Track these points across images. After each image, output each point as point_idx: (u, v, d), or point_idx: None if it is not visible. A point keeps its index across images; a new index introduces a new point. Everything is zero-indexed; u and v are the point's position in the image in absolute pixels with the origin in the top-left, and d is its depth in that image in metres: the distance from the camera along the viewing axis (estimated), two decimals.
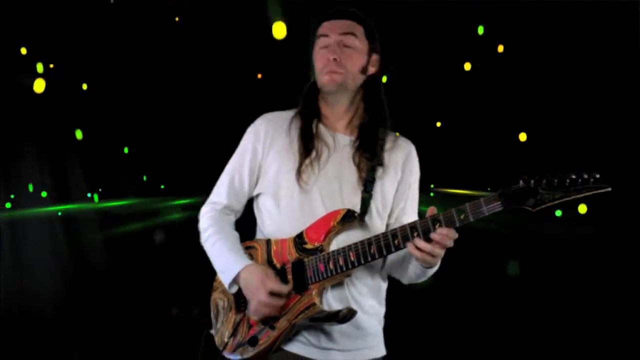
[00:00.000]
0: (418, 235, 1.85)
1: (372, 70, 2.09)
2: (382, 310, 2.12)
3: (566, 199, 1.72)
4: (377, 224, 2.05)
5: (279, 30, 4.23)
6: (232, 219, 2.16)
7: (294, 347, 2.00)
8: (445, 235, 1.82)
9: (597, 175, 1.71)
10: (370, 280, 2.06)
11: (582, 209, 4.22)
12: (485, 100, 4.50)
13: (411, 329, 4.48)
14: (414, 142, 2.18)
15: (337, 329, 1.99)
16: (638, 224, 3.98)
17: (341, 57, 2.02)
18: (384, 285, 2.14)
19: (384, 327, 2.12)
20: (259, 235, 2.15)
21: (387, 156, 2.07)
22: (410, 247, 1.86)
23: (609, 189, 1.70)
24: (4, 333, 4.20)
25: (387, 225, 2.10)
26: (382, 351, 2.12)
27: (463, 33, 4.42)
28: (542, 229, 4.21)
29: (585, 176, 1.72)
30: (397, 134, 2.18)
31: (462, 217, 1.81)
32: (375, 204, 2.04)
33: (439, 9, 4.32)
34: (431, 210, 1.87)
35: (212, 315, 2.14)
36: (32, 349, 4.27)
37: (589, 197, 1.72)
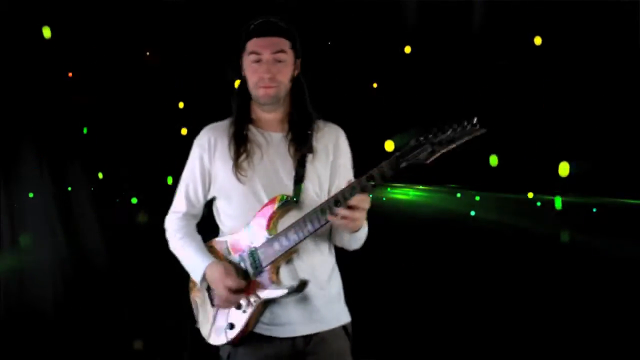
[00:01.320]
0: (341, 205, 2.08)
1: (296, 72, 2.33)
2: (336, 284, 2.35)
3: (451, 146, 1.94)
4: (316, 202, 2.24)
5: None
6: (194, 222, 2.45)
7: (261, 329, 2.25)
8: (360, 201, 2.07)
9: (474, 121, 1.91)
10: (318, 252, 2.30)
11: (493, 160, 4.43)
12: (485, 100, 4.50)
13: (408, 327, 4.50)
14: None
15: (292, 303, 2.23)
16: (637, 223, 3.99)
17: (274, 72, 2.23)
18: (330, 254, 2.36)
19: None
20: (220, 234, 2.40)
21: (316, 142, 2.32)
22: (331, 218, 2.10)
23: (484, 131, 1.91)
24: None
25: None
26: (343, 319, 2.34)
27: (463, 33, 4.42)
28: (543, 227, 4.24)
29: (465, 123, 1.92)
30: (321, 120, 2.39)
31: (371, 182, 2.04)
32: (312, 186, 2.29)
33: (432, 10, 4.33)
34: (348, 182, 2.11)
35: (194, 312, 2.41)
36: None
37: (469, 140, 1.93)
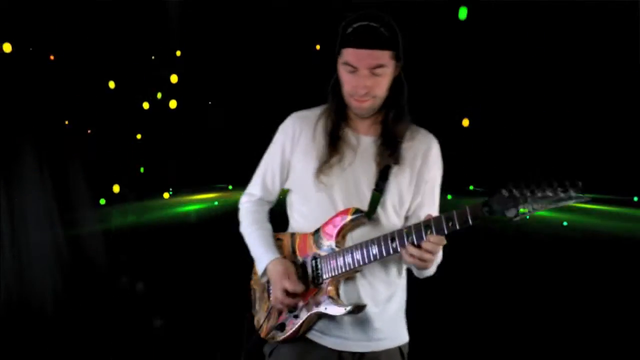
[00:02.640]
0: (411, 241, 1.92)
1: (396, 73, 2.09)
2: (396, 302, 2.20)
3: (546, 208, 1.76)
4: (393, 219, 2.13)
5: None
6: (267, 208, 2.34)
7: (312, 335, 2.16)
8: (433, 244, 1.90)
9: (580, 184, 1.72)
10: (383, 274, 2.15)
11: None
12: (484, 100, 4.50)
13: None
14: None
15: (347, 320, 2.12)
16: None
17: (370, 87, 2.01)
18: (399, 277, 2.21)
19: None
20: (289, 228, 2.29)
21: (404, 152, 2.12)
22: (403, 252, 1.95)
23: (589, 199, 1.73)
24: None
25: (405, 219, 2.19)
26: (400, 340, 2.22)
27: (461, 33, 4.41)
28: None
29: (567, 184, 1.73)
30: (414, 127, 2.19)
31: (450, 224, 1.86)
32: (391, 201, 2.11)
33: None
34: (428, 216, 1.93)
35: (252, 299, 2.34)
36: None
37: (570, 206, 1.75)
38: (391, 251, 1.97)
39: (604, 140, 4.07)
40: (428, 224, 1.90)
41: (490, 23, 4.31)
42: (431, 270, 2.13)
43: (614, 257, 4.14)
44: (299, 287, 2.09)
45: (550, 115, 4.22)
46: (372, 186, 2.10)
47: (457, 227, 1.86)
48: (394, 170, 2.10)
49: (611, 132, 4.05)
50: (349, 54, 1.99)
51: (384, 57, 1.99)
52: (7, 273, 4.25)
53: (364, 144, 2.14)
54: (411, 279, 2.26)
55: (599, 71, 4.00)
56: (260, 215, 2.29)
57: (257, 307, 2.31)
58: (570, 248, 4.27)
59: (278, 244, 2.23)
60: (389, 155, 2.10)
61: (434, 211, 2.17)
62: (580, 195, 1.72)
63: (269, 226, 2.29)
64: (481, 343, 4.33)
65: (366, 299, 2.11)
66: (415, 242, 1.91)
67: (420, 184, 2.15)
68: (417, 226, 1.92)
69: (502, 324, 4.33)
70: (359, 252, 2.02)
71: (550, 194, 1.73)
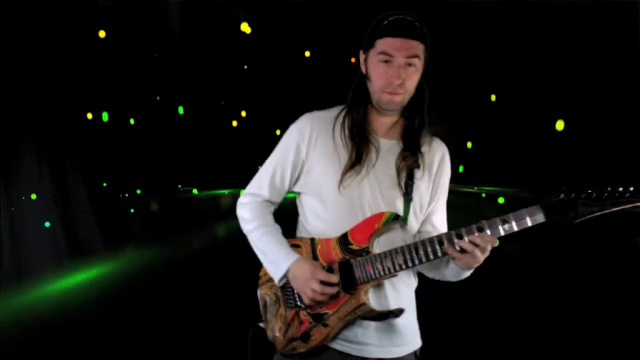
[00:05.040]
0: (463, 238, 1.94)
1: (422, 72, 2.11)
2: (412, 304, 2.22)
3: (604, 211, 1.80)
4: (414, 224, 2.13)
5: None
6: (272, 210, 2.25)
7: (335, 344, 2.10)
8: (486, 241, 1.91)
9: (632, 188, 1.78)
10: (407, 279, 2.16)
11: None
12: (482, 100, 4.50)
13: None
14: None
15: (373, 325, 2.09)
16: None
17: (405, 78, 2.02)
18: (415, 280, 2.24)
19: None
20: (301, 232, 2.22)
21: (422, 157, 2.14)
22: (450, 249, 1.95)
23: None
24: None
25: (420, 223, 2.19)
26: (416, 344, 2.21)
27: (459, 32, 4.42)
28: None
29: (621, 189, 1.79)
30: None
31: (506, 227, 1.90)
32: (413, 206, 2.11)
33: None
34: (480, 222, 1.96)
35: (261, 309, 2.23)
36: None
37: (625, 209, 1.79)
38: (440, 253, 1.97)
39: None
40: (481, 226, 1.93)
41: (491, 23, 4.32)
42: (467, 274, 2.13)
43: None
44: (334, 277, 2.04)
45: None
46: (396, 190, 2.09)
47: (515, 228, 1.89)
48: (418, 175, 2.11)
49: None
50: (386, 43, 2.00)
51: (419, 48, 2.02)
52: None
53: (385, 147, 2.13)
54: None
55: (598, 71, 4.00)
56: (269, 219, 2.21)
57: (268, 316, 2.20)
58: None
59: (297, 250, 2.15)
60: (411, 159, 2.10)
61: (444, 215, 2.21)
62: (636, 198, 1.77)
63: (280, 229, 2.22)
64: (488, 346, 4.33)
65: (393, 304, 2.10)
66: (467, 240, 1.93)
67: (436, 188, 2.17)
68: (469, 228, 1.94)
69: (507, 327, 4.33)
70: (401, 256, 2.00)
71: (606, 197, 1.79)
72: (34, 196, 4.46)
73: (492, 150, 4.51)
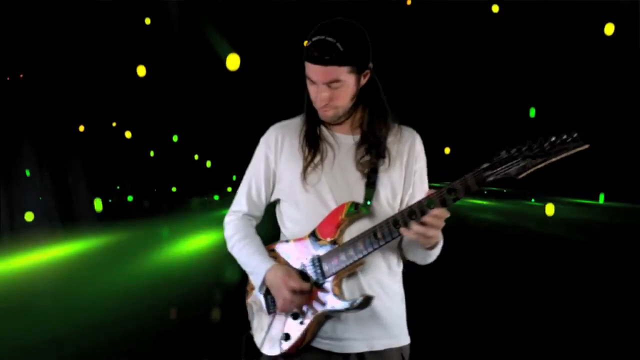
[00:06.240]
0: (416, 218, 1.90)
1: (364, 82, 2.08)
2: (398, 297, 2.17)
3: (547, 161, 1.73)
4: (388, 212, 2.10)
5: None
6: (254, 223, 2.28)
7: (317, 343, 2.09)
8: (437, 217, 1.88)
9: (575, 134, 1.71)
10: (384, 267, 2.13)
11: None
12: (483, 100, 4.50)
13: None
14: None
15: (353, 317, 2.08)
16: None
17: (330, 98, 2.03)
18: (399, 266, 2.18)
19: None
20: (282, 237, 2.24)
21: (392, 148, 2.13)
22: (404, 232, 1.91)
23: (587, 146, 1.71)
24: None
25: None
26: (403, 341, 2.16)
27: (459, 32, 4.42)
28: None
29: (564, 137, 1.71)
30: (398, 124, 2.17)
31: (452, 196, 1.86)
32: (384, 194, 2.11)
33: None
34: (427, 193, 1.92)
35: (250, 318, 2.26)
36: None
37: (569, 155, 1.71)
38: (395, 234, 1.94)
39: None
40: (431, 198, 1.89)
41: (490, 24, 4.32)
42: (435, 253, 2.10)
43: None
44: (305, 285, 2.05)
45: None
46: (361, 181, 2.10)
47: (461, 194, 1.85)
48: (384, 165, 2.11)
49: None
50: (307, 68, 2.01)
51: (340, 72, 1.99)
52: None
53: (344, 142, 2.14)
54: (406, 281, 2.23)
55: (598, 71, 4.00)
56: (249, 230, 2.24)
57: (255, 324, 2.24)
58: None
59: (272, 255, 2.18)
60: (374, 150, 2.09)
61: None
62: (579, 142, 1.69)
63: (259, 239, 2.24)
64: (480, 344, 4.33)
65: (370, 293, 2.07)
66: (419, 219, 1.89)
67: (409, 176, 2.16)
68: (420, 203, 1.90)
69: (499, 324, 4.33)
70: (361, 242, 2.00)
71: (547, 146, 1.72)
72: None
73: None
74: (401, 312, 2.19)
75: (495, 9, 4.20)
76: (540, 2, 4.02)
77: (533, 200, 4.59)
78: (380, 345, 2.11)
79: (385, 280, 2.13)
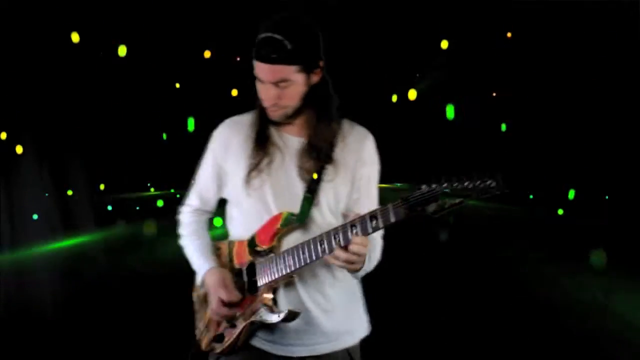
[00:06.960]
0: (339, 243, 1.85)
1: (314, 80, 2.03)
2: (342, 301, 2.12)
3: (463, 203, 1.67)
4: (329, 219, 2.06)
5: None
6: (205, 218, 2.28)
7: (257, 342, 2.10)
8: (359, 245, 1.82)
9: (499, 177, 1.64)
10: (328, 277, 2.08)
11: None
12: (482, 100, 4.51)
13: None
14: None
15: (290, 327, 2.04)
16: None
17: (278, 97, 1.98)
18: (346, 277, 2.10)
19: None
20: (229, 236, 2.22)
21: (339, 151, 2.06)
22: (329, 259, 1.88)
23: (507, 191, 1.64)
24: None
25: (344, 217, 2.07)
26: (349, 341, 2.13)
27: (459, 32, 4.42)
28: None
29: (489, 182, 1.64)
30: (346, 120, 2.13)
31: (374, 223, 1.79)
32: (326, 200, 2.05)
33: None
34: (355, 215, 1.86)
35: (195, 312, 2.26)
36: None
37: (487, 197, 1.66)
38: (320, 254, 1.89)
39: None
40: (353, 224, 1.83)
41: (491, 23, 4.32)
42: (361, 275, 2.05)
43: None
44: (234, 297, 2.03)
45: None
46: (303, 188, 2.03)
47: (381, 225, 1.78)
48: (328, 170, 2.04)
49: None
50: (256, 66, 1.97)
51: (287, 71, 1.94)
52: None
53: (292, 144, 2.08)
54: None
55: (599, 71, 4.01)
56: (199, 226, 2.23)
57: (197, 320, 2.24)
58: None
59: (217, 252, 2.18)
60: (318, 155, 2.03)
61: (372, 205, 2.07)
62: (499, 187, 1.63)
63: (207, 235, 2.23)
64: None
65: (308, 303, 2.04)
66: (342, 244, 1.84)
67: (355, 180, 2.09)
68: (344, 227, 1.85)
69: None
70: (291, 257, 1.96)
71: (469, 186, 1.65)
72: None
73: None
74: (347, 315, 2.13)
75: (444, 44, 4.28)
76: (540, 2, 4.02)
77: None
78: (322, 349, 2.08)
79: (327, 291, 2.08)
